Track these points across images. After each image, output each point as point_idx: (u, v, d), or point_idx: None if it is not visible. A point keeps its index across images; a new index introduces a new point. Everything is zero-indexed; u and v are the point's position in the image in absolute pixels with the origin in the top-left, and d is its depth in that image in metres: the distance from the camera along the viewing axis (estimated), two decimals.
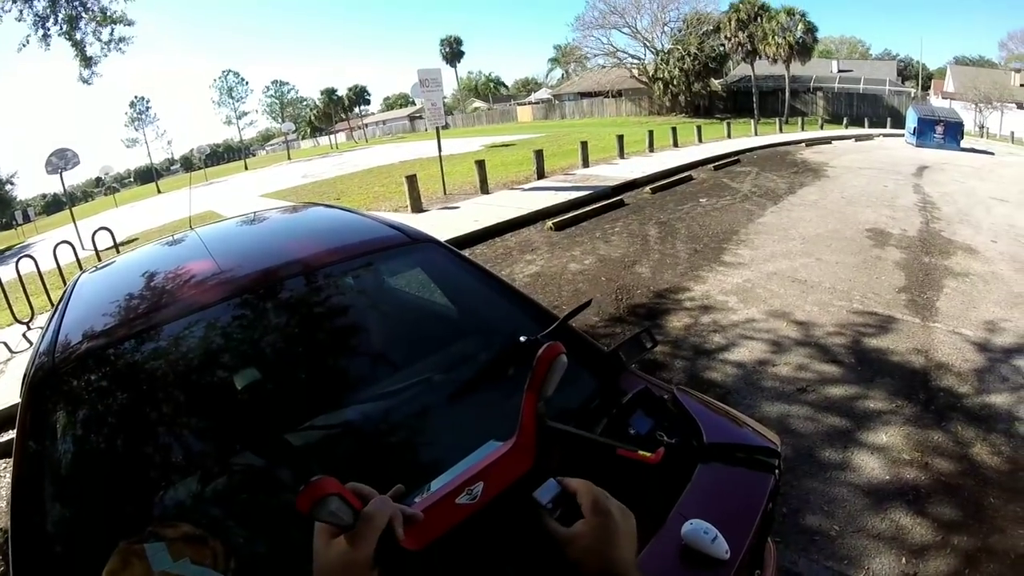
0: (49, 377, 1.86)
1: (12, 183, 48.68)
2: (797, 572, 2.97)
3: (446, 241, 9.80)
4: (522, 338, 1.68)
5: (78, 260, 10.68)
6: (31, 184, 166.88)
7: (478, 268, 2.63)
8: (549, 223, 10.36)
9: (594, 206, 11.64)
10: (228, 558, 1.41)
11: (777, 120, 35.32)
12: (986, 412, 4.36)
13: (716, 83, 47.90)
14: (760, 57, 42.51)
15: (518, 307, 2.37)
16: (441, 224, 10.87)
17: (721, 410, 1.98)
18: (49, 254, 10.09)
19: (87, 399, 1.97)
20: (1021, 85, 42.36)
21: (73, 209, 22.22)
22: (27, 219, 47.33)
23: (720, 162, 17.41)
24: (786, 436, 4.02)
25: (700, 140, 24.12)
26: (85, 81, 16.38)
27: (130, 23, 16.11)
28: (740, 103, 46.01)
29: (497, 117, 67.87)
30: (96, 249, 12.12)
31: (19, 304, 8.97)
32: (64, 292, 2.65)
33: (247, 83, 78.96)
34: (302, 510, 0.93)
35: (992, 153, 26.67)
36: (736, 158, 18.64)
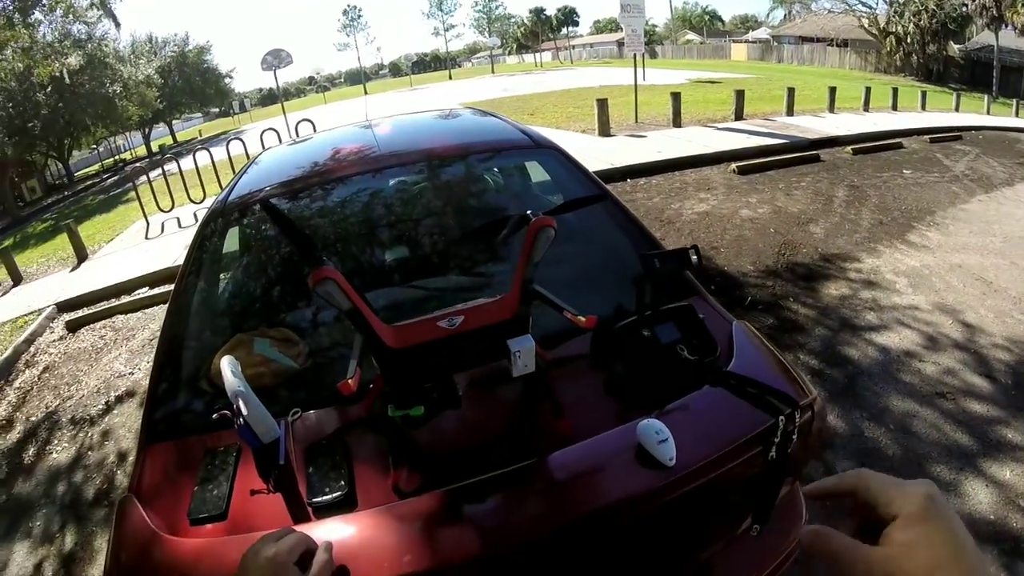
0: (214, 215, 2.57)
1: (231, 76, 54.62)
2: None
3: (624, 167, 9.92)
4: (528, 212, 1.72)
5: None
6: (248, 79, 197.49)
7: (589, 176, 2.84)
8: (733, 165, 10.23)
9: (785, 156, 11.28)
10: (308, 357, 2.02)
11: (1015, 101, 30.75)
12: None
13: (955, 47, 41.87)
14: (1006, 26, 36.13)
15: (614, 216, 2.56)
16: (623, 150, 11.02)
17: (769, 351, 1.96)
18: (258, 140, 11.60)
19: (241, 232, 2.88)
20: None
21: (285, 103, 24.47)
22: (243, 109, 52.84)
23: (938, 135, 15.87)
24: (903, 436, 3.78)
25: (923, 108, 21.89)
26: None
27: None
28: (978, 75, 39.68)
29: (709, 52, 64.40)
30: (298, 137, 13.87)
31: (211, 186, 11.03)
32: (248, 162, 3.41)
33: None
34: (310, 285, 1.40)
35: None
36: (958, 134, 16.76)
